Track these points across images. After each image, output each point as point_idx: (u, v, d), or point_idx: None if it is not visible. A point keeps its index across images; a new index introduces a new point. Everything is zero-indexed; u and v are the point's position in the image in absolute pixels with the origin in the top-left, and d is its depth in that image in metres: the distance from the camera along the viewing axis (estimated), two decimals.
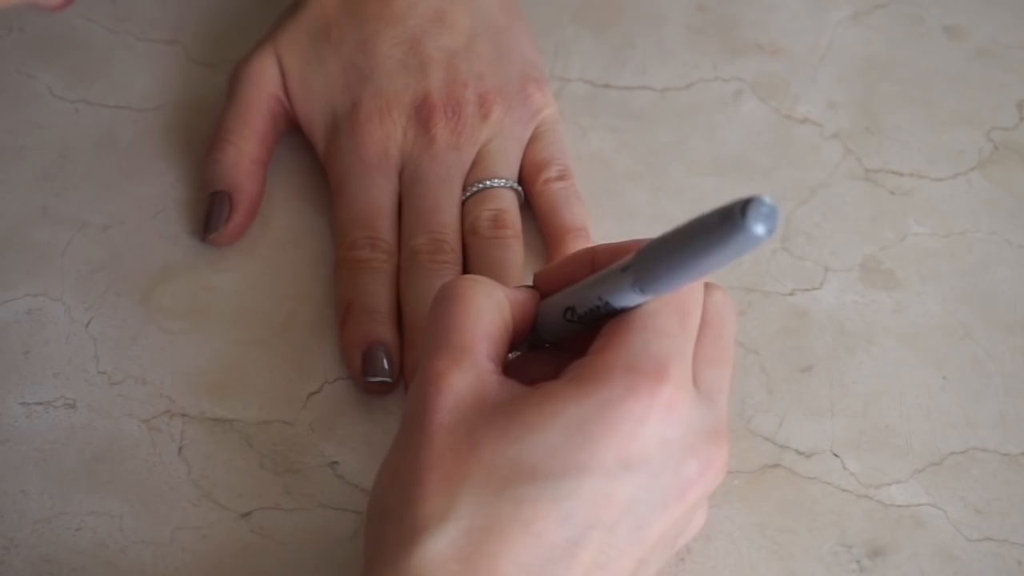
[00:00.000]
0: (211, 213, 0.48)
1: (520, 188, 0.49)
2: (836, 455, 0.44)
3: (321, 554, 0.42)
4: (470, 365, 0.36)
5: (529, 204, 0.50)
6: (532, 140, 0.50)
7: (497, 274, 0.47)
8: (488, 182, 0.48)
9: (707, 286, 0.38)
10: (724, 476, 0.36)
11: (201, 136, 0.51)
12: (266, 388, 0.46)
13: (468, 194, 0.48)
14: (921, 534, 0.43)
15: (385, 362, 0.45)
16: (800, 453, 0.44)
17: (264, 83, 0.50)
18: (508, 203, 0.49)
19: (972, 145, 0.53)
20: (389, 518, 0.35)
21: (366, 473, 0.44)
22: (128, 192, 0.50)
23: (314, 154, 0.51)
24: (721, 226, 0.30)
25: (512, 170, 0.49)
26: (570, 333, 0.39)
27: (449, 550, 0.33)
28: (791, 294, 0.48)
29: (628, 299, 0.36)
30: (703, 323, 0.37)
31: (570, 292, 0.38)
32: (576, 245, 0.48)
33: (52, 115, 0.53)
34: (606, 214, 0.50)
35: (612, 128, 0.53)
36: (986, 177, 0.52)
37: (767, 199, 0.30)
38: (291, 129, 0.51)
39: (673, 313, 0.36)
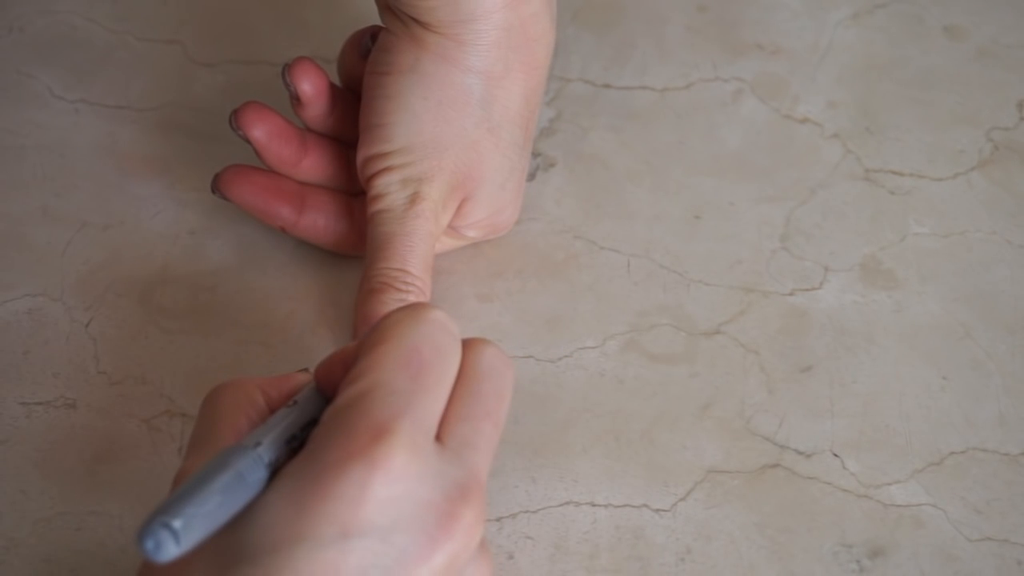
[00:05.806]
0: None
1: None
2: (836, 455, 0.44)
3: None
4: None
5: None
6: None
7: None
8: None
9: (476, 341, 0.37)
10: (480, 529, 0.34)
11: (201, 136, 0.51)
12: None
13: None
14: (921, 534, 0.43)
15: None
16: (800, 453, 0.44)
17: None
18: None
19: (972, 145, 0.53)
20: None
21: None
22: (128, 192, 0.50)
23: None
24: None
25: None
26: None
27: None
28: (791, 294, 0.48)
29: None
30: (460, 377, 0.36)
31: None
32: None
33: (52, 115, 0.53)
34: (606, 214, 0.50)
35: (612, 128, 0.53)
36: (986, 177, 0.52)
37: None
38: None
39: (401, 369, 0.34)
